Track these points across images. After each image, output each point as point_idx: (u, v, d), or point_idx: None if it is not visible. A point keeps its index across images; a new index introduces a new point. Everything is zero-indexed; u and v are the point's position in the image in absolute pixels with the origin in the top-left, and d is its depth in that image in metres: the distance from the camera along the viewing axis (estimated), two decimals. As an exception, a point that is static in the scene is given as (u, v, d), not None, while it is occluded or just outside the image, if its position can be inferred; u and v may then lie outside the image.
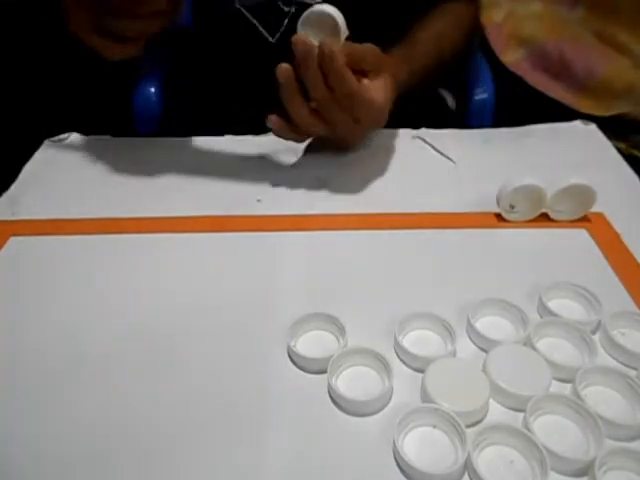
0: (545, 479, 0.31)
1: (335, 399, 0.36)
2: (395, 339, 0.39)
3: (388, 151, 0.62)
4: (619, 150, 0.62)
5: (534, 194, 0.50)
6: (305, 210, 0.54)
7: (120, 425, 0.35)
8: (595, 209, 0.51)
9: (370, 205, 0.54)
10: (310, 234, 0.51)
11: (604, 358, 0.39)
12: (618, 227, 0.51)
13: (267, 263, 0.48)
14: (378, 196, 0.55)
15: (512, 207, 0.51)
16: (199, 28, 0.77)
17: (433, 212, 0.53)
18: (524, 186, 0.49)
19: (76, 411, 0.36)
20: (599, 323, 0.41)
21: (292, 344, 0.39)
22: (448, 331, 0.40)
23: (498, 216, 0.52)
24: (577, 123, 0.66)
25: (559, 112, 0.91)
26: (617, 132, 0.72)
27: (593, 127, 0.65)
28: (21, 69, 0.64)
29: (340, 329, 0.40)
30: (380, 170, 0.59)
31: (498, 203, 0.51)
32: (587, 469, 0.32)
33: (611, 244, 0.49)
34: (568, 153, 0.61)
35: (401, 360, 0.39)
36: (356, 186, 0.57)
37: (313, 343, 0.40)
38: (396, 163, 0.61)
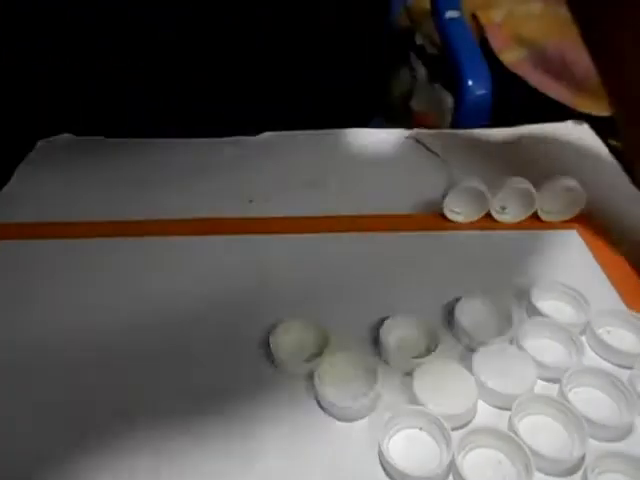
0: (530, 481, 0.31)
1: (322, 404, 0.36)
2: (380, 343, 0.39)
3: (381, 151, 0.63)
4: (615, 147, 0.62)
5: (524, 195, 0.50)
6: (298, 211, 0.54)
7: (103, 426, 0.36)
8: (586, 209, 0.51)
9: (361, 207, 0.54)
10: (295, 237, 0.50)
11: (592, 359, 0.39)
12: (609, 227, 0.50)
13: (251, 267, 0.47)
14: (370, 197, 0.55)
15: (503, 208, 0.51)
16: (199, 28, 0.77)
17: (421, 213, 0.53)
18: (514, 188, 0.50)
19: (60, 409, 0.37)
20: (588, 324, 0.41)
21: (275, 350, 0.38)
22: (433, 333, 0.40)
23: (489, 217, 0.52)
24: (569, 123, 0.66)
25: (559, 112, 0.92)
26: (614, 130, 0.72)
27: (585, 127, 0.65)
28: (15, 69, 0.65)
29: (322, 333, 0.40)
30: (372, 171, 0.59)
31: (489, 204, 0.51)
32: (573, 469, 0.33)
33: (601, 244, 0.49)
34: (561, 153, 0.61)
35: (386, 364, 0.39)
36: (349, 188, 0.57)
37: (295, 348, 0.40)
38: (388, 164, 0.61)
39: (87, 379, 0.39)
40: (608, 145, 0.63)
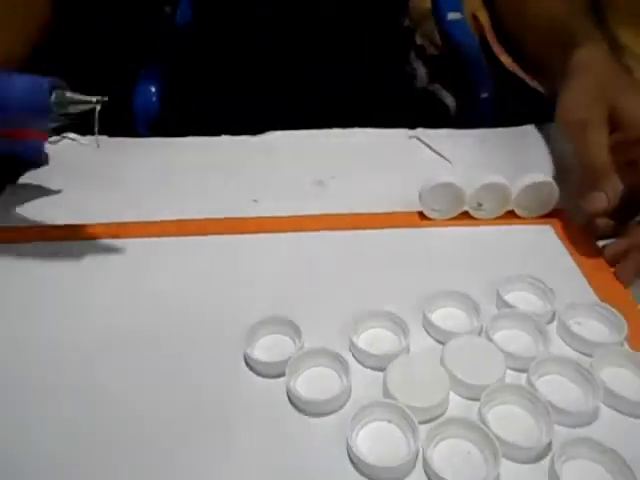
0: (498, 469, 0.32)
1: (294, 401, 0.37)
2: (351, 338, 0.40)
3: (384, 151, 0.63)
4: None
5: (500, 192, 0.51)
6: (300, 211, 0.54)
7: (86, 428, 0.36)
8: (561, 205, 0.51)
9: (363, 206, 0.54)
10: (278, 236, 0.51)
11: (559, 348, 0.40)
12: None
13: (230, 266, 0.48)
14: (371, 197, 0.55)
15: (479, 205, 0.52)
16: (200, 29, 0.78)
17: (399, 211, 0.54)
18: (490, 184, 0.50)
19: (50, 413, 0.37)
20: (554, 314, 0.41)
21: (248, 350, 0.39)
22: (401, 327, 0.40)
23: (465, 214, 0.52)
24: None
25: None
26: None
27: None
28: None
29: (296, 331, 0.40)
30: (375, 170, 0.60)
31: (466, 201, 0.51)
32: (540, 456, 0.33)
33: (575, 239, 0.49)
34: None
35: (357, 359, 0.39)
36: (351, 187, 0.57)
37: (269, 347, 0.40)
38: (391, 163, 0.61)
39: (73, 377, 0.39)
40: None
